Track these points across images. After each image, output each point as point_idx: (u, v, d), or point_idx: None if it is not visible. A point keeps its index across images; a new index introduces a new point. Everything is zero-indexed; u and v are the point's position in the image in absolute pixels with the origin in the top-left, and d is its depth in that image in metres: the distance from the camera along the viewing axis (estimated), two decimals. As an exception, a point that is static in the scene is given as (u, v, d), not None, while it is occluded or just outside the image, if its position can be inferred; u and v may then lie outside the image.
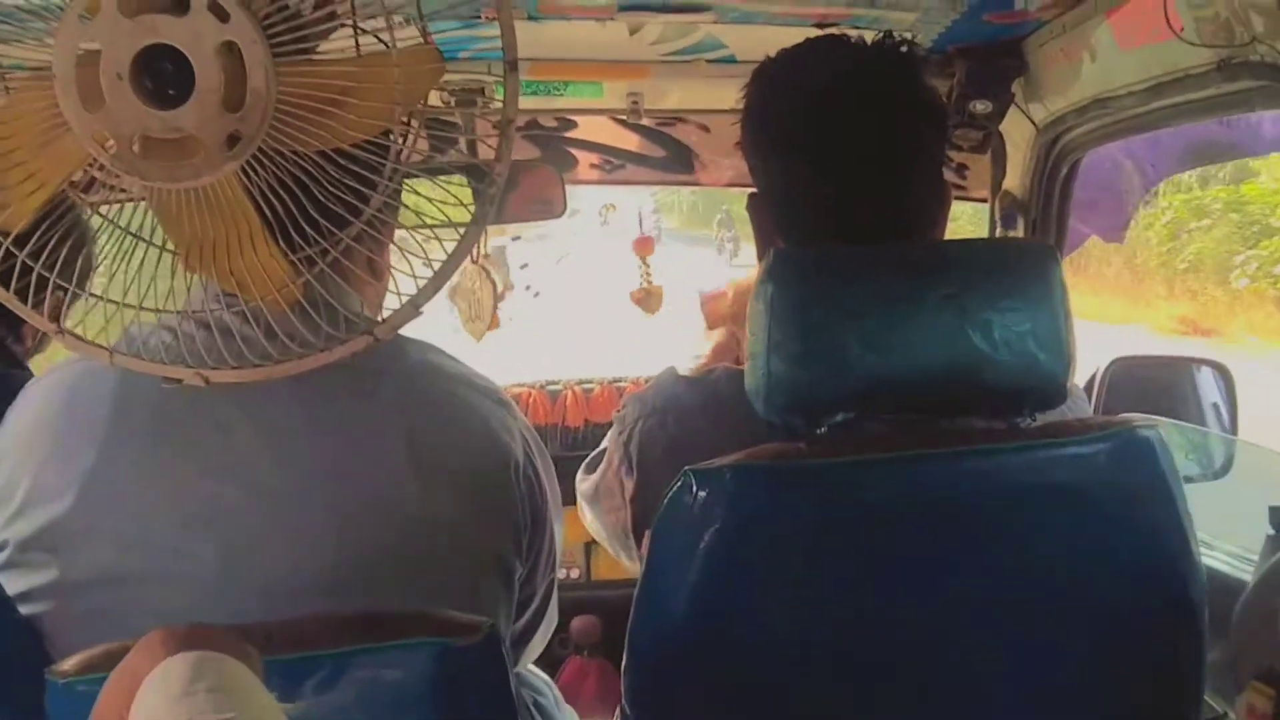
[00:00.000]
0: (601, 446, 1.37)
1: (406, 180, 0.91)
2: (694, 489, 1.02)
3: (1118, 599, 1.05)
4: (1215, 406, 1.99)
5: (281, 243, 0.85)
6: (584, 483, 1.41)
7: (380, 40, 0.82)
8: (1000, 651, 1.05)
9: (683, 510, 1.03)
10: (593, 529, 1.42)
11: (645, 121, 2.03)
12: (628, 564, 1.33)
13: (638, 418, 1.25)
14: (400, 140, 0.85)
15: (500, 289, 2.06)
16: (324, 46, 0.87)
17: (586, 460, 1.43)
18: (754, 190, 1.24)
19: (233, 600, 0.93)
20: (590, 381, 2.47)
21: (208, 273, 0.87)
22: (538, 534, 1.16)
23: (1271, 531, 1.22)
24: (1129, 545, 1.06)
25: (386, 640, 0.89)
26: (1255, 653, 0.98)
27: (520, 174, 1.96)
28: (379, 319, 0.88)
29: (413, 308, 0.86)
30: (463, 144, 0.93)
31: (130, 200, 0.88)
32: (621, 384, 2.45)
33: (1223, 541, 1.49)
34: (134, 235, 0.88)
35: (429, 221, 0.91)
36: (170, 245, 0.87)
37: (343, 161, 0.83)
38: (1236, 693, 1.00)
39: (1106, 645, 1.06)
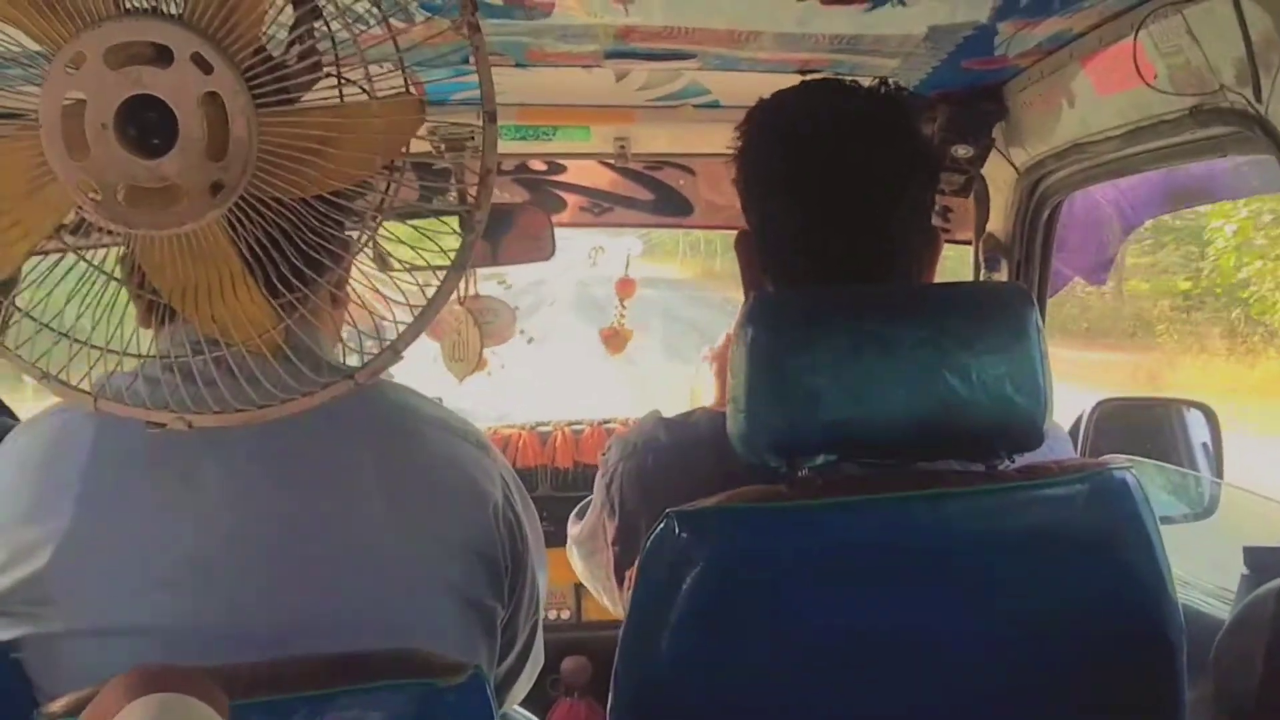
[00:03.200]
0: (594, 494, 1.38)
1: (390, 224, 0.92)
2: (676, 530, 1.03)
3: (1095, 640, 1.06)
4: (1205, 447, 2.00)
5: (264, 288, 0.86)
6: (574, 528, 1.41)
7: (363, 90, 0.84)
8: (979, 693, 1.05)
9: (665, 552, 1.04)
10: (581, 575, 1.43)
11: (632, 165, 2.06)
12: (613, 609, 1.33)
13: (619, 460, 1.26)
14: (383, 187, 0.86)
15: (494, 338, 2.07)
16: (309, 96, 0.88)
17: (578, 507, 1.43)
18: (742, 229, 1.26)
19: (214, 649, 0.92)
20: (580, 423, 2.48)
21: (190, 318, 0.88)
22: (519, 576, 1.16)
23: (1246, 571, 1.23)
24: (1106, 586, 1.06)
25: (371, 681, 0.89)
26: (1231, 693, 0.99)
27: (515, 218, 1.99)
28: (358, 360, 0.89)
29: (394, 353, 0.86)
30: (454, 190, 0.94)
31: (114, 245, 0.89)
32: (611, 425, 2.46)
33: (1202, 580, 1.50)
34: (118, 281, 0.89)
35: (412, 266, 0.92)
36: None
37: (324, 209, 0.84)
38: (1215, 733, 1.01)
39: (1085, 686, 1.06)
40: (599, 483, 1.30)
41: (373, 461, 1.03)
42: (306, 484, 1.00)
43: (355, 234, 0.90)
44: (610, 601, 1.34)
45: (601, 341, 2.27)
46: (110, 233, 0.85)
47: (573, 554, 1.43)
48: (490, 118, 0.83)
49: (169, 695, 0.63)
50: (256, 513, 0.98)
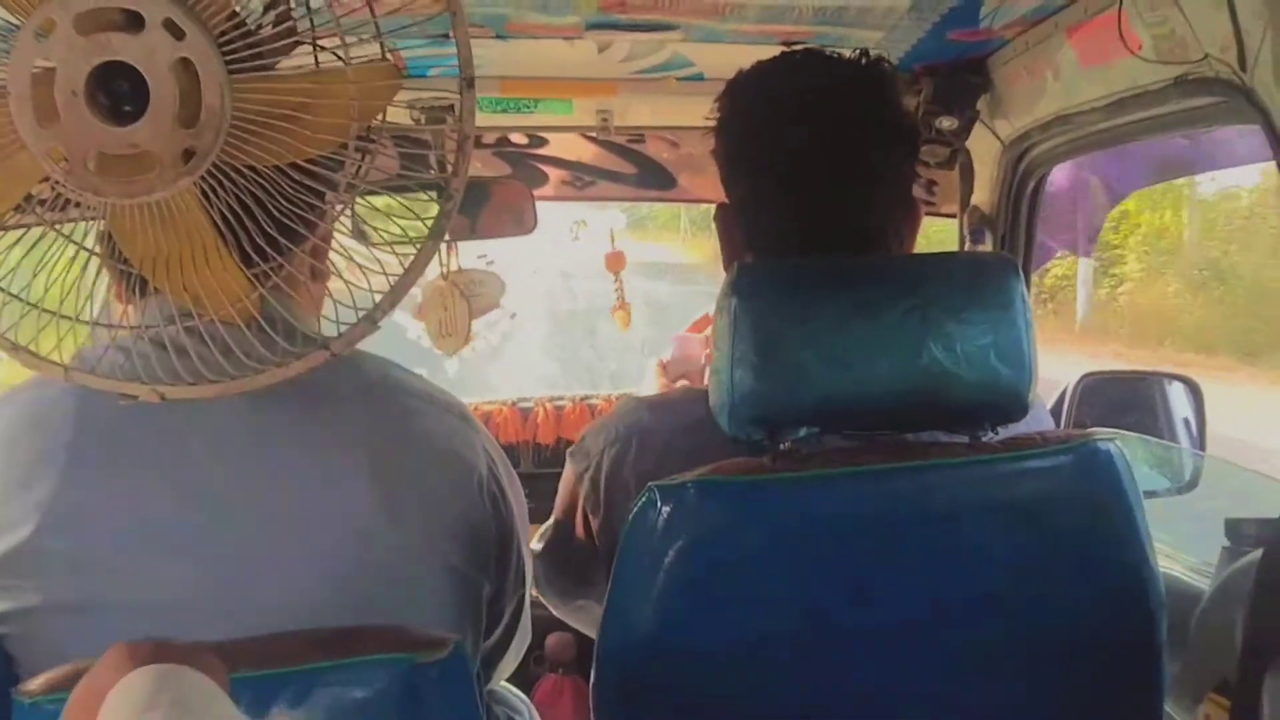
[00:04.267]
0: (549, 521, 1.33)
1: (368, 197, 0.91)
2: (658, 505, 1.02)
3: (1077, 610, 1.06)
4: (1186, 421, 2.01)
5: (237, 257, 0.85)
6: (538, 544, 1.34)
7: (338, 57, 0.83)
8: (962, 662, 1.05)
9: (647, 526, 1.03)
10: (545, 588, 1.36)
11: (615, 138, 2.04)
12: (589, 618, 1.28)
13: (602, 448, 1.22)
14: (359, 156, 0.85)
15: (482, 310, 2.05)
16: (285, 63, 0.87)
17: (540, 531, 1.36)
18: (723, 202, 1.25)
19: (197, 624, 0.91)
20: (561, 399, 2.48)
21: (163, 288, 0.87)
22: (505, 550, 1.16)
23: (1227, 544, 1.24)
24: (1088, 557, 1.07)
25: (352, 657, 0.88)
26: (1212, 665, 0.99)
27: (491, 189, 1.97)
28: (336, 332, 0.88)
29: (370, 323, 0.86)
30: (434, 161, 0.93)
31: (84, 219, 0.88)
32: (593, 401, 2.46)
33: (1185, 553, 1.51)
34: (89, 251, 0.88)
35: (388, 238, 0.91)
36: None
37: (298, 177, 0.83)
38: (1195, 704, 1.01)
39: (1066, 655, 1.06)
40: (574, 476, 1.26)
41: (357, 434, 1.02)
42: (292, 458, 0.99)
43: (332, 205, 0.89)
44: (597, 603, 1.21)
45: (613, 317, 2.27)
46: (80, 205, 0.83)
47: (537, 573, 1.34)
48: (468, 84, 0.82)
49: (168, 666, 0.62)
50: (242, 487, 0.97)
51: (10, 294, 0.85)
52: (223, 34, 0.78)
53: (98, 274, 0.87)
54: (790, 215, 1.17)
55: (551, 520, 1.32)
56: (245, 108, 0.79)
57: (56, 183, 0.81)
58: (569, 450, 1.29)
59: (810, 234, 1.16)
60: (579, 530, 1.25)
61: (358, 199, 0.87)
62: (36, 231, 0.85)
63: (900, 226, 1.20)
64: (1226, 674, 0.95)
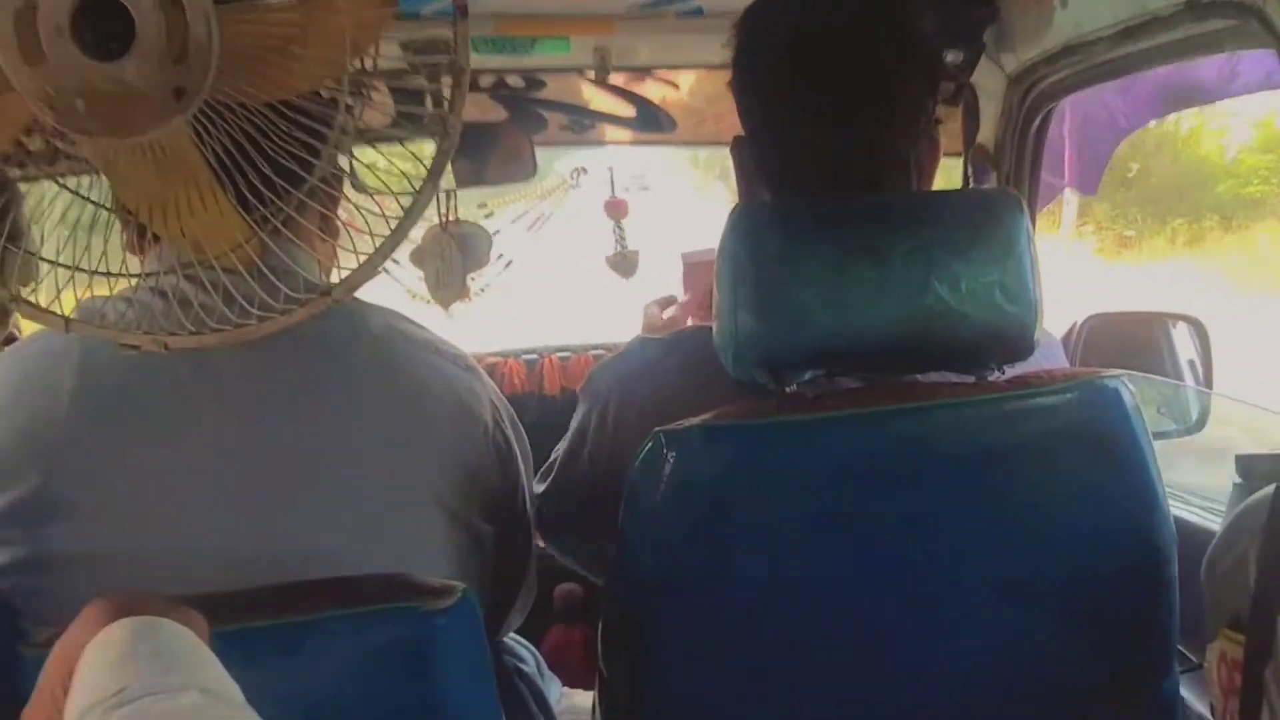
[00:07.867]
0: (551, 458, 1.33)
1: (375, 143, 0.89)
2: (664, 450, 1.01)
3: (1087, 548, 1.06)
4: (1191, 363, 1.99)
5: (235, 201, 0.84)
6: (540, 486, 1.33)
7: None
8: (973, 602, 1.05)
9: (654, 472, 1.02)
10: (546, 527, 1.34)
11: (614, 79, 2.01)
12: (590, 558, 1.28)
13: (610, 387, 1.22)
14: (349, 95, 0.83)
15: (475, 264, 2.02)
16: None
17: (542, 470, 1.35)
18: (738, 135, 1.22)
19: (208, 575, 0.91)
20: (566, 350, 2.46)
21: (161, 233, 0.85)
22: (510, 501, 1.16)
23: (1238, 480, 1.23)
24: (1097, 494, 1.06)
25: (358, 606, 0.88)
26: (1224, 601, 0.98)
27: (493, 135, 1.94)
28: (336, 279, 0.87)
29: (370, 268, 0.84)
30: (429, 102, 0.92)
31: (82, 171, 0.86)
32: (598, 352, 2.44)
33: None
34: (95, 204, 0.87)
35: (388, 182, 0.89)
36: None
37: (293, 115, 0.81)
38: (1208, 641, 1.00)
39: (1078, 595, 1.06)
40: (585, 414, 1.26)
41: (362, 384, 1.01)
42: (297, 407, 0.99)
43: (330, 150, 0.87)
44: (591, 555, 1.26)
45: (610, 269, 2.21)
46: (72, 157, 0.82)
47: (539, 513, 1.32)
48: (462, 12, 0.80)
49: (146, 618, 0.62)
50: (248, 437, 0.97)
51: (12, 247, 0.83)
52: (209, -33, 0.76)
53: (93, 224, 0.86)
54: (810, 146, 1.13)
55: (557, 457, 1.31)
56: (234, 42, 0.77)
57: (48, 133, 0.79)
58: (580, 388, 1.28)
59: (830, 166, 1.12)
60: (586, 467, 1.24)
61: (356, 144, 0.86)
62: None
63: (921, 159, 1.16)
64: (1240, 610, 0.95)
